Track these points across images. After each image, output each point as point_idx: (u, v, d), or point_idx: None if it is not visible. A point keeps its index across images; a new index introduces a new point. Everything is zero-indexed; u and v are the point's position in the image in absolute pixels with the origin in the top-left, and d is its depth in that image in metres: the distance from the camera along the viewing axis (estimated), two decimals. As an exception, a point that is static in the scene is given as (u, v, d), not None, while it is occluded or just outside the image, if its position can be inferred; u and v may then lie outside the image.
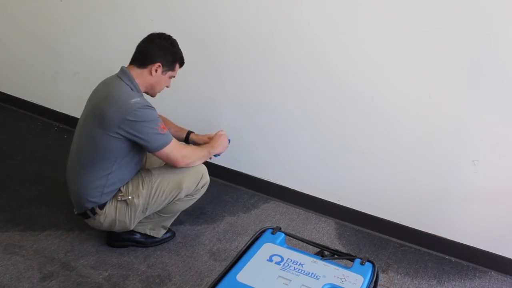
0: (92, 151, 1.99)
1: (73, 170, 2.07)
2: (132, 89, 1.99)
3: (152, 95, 2.15)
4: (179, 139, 2.33)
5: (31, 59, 3.39)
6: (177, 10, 2.68)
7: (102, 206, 2.05)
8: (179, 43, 2.09)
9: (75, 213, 2.14)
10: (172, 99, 2.76)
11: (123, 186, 2.07)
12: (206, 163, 2.20)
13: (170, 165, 2.09)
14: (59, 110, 3.41)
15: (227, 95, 2.71)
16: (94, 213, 2.06)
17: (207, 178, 2.18)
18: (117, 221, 2.08)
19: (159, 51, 2.03)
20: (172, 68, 2.09)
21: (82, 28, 3.08)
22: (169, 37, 2.08)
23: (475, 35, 2.05)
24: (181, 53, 2.11)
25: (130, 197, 2.05)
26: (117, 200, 2.06)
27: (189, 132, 2.36)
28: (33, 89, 3.49)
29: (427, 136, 2.29)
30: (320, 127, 2.52)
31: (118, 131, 1.92)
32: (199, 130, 2.59)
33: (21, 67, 3.48)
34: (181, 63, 2.13)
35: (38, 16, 3.23)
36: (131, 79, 2.00)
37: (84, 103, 2.11)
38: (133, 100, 1.92)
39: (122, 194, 2.06)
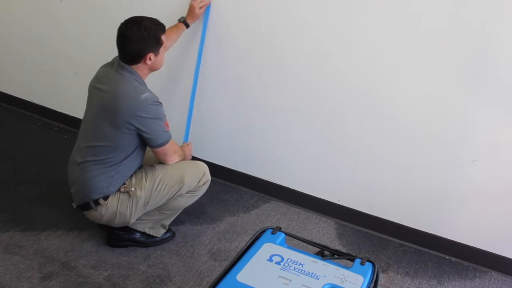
0: (105, 145, 2.01)
1: (81, 163, 2.06)
2: (138, 81, 2.01)
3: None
4: (180, 31, 2.46)
5: (31, 59, 3.39)
6: (177, 10, 2.68)
7: (105, 197, 2.06)
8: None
9: (74, 206, 2.13)
10: (172, 99, 2.76)
11: (127, 179, 2.09)
12: (205, 162, 2.22)
13: (160, 160, 2.15)
14: (59, 110, 3.40)
15: (227, 95, 2.71)
16: (97, 204, 2.06)
17: (208, 177, 2.22)
18: (117, 213, 2.08)
19: (142, 44, 1.97)
20: (160, 44, 2.03)
21: (82, 28, 3.07)
22: (137, 22, 1.97)
23: (475, 35, 2.05)
24: (156, 26, 2.00)
25: (133, 189, 2.07)
26: (120, 192, 2.08)
27: (183, 19, 2.48)
28: (33, 89, 3.48)
29: (427, 136, 2.29)
30: (320, 127, 2.52)
31: (129, 126, 1.96)
32: (199, 128, 2.60)
33: (21, 67, 3.47)
34: (164, 32, 2.05)
35: (38, 16, 3.23)
36: (132, 72, 2.01)
37: (85, 103, 2.11)
38: (143, 96, 1.96)
39: (125, 186, 2.08)
